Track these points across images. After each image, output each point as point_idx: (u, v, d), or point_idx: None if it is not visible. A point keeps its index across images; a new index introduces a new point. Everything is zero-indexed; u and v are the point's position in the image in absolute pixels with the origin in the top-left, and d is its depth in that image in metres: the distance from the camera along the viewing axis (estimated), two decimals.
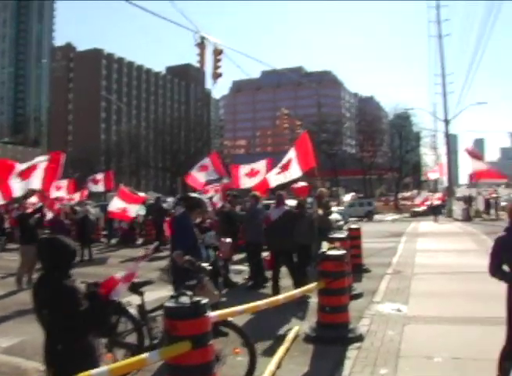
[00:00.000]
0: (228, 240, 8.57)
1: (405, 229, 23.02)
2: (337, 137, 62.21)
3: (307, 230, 9.12)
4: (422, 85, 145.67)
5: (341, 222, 19.85)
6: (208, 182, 15.08)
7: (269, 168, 12.94)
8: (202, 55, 16.19)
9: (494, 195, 35.90)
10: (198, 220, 6.87)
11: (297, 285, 7.94)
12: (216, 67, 16.59)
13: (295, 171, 11.23)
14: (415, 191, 74.10)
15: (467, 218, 30.92)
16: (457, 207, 37.28)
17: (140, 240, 19.74)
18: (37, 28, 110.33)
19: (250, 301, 5.08)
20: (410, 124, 63.42)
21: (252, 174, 13.20)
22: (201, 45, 16.09)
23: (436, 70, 56.00)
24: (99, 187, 20.04)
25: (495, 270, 4.38)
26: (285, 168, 11.16)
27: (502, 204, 32.23)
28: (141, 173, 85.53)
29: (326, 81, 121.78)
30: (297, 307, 7.64)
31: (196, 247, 5.85)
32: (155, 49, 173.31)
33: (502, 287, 4.36)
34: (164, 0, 15.66)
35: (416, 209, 40.27)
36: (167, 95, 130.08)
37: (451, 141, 45.11)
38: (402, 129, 61.20)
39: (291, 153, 11.20)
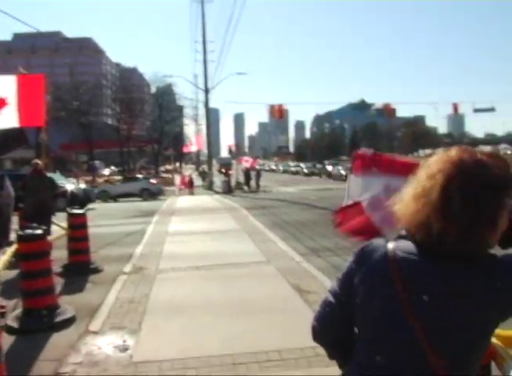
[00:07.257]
0: None
1: (160, 207, 20.53)
2: (93, 107, 56.65)
3: None
4: (187, 55, 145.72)
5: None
6: None
7: None
8: None
9: (256, 166, 36.13)
10: None
11: None
12: None
13: (8, 119, 7.40)
14: (177, 164, 73.65)
15: (228, 190, 30.55)
16: (218, 179, 36.86)
17: None
18: None
19: None
20: (173, 95, 61.63)
21: None
22: None
23: (198, 37, 54.43)
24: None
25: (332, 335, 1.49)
26: None
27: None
28: None
29: (86, 49, 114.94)
30: None
31: None
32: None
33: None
34: None
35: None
36: None
37: (212, 114, 44.73)
38: (162, 99, 59.10)
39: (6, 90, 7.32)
